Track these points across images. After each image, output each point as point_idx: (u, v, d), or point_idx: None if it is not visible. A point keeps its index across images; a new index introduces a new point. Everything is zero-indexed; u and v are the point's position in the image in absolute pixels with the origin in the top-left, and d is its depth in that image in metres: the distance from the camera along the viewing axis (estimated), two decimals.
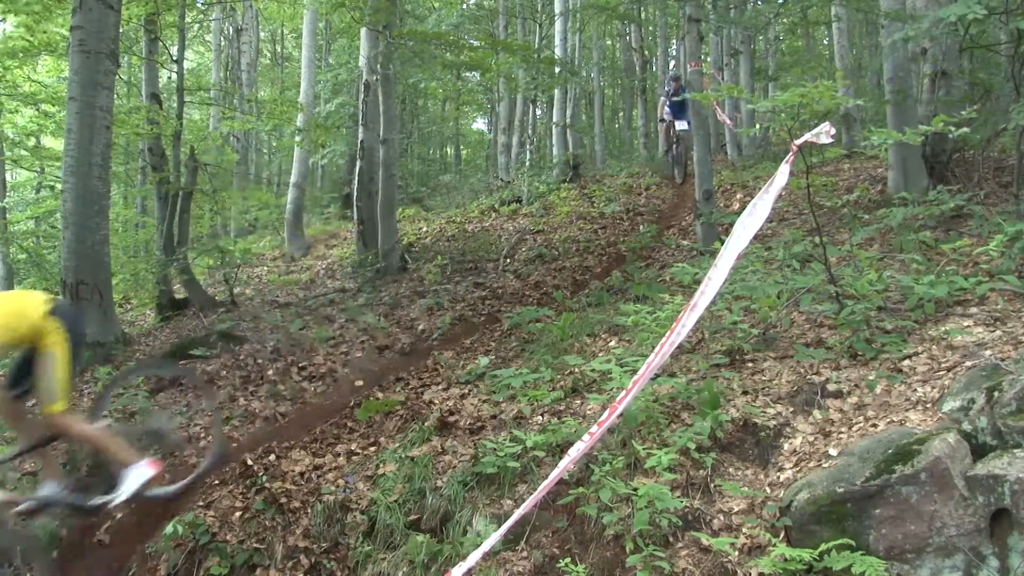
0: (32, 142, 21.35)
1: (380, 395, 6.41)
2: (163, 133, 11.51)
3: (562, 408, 4.94)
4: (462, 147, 35.44)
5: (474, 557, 3.23)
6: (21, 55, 13.42)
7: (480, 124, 36.24)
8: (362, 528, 4.33)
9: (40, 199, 23.14)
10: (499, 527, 3.41)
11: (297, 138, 15.74)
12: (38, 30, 12.40)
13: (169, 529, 4.44)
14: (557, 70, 16.37)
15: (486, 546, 3.27)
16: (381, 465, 4.83)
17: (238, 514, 4.60)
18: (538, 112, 23.51)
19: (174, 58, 12.27)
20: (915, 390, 3.85)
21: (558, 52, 17.45)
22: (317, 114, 17.91)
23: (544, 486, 3.28)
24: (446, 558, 3.81)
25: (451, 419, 5.16)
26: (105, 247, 8.88)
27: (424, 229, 15.59)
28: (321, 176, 24.92)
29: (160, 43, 11.96)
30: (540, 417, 4.87)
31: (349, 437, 5.54)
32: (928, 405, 3.68)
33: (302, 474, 4.96)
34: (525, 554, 3.67)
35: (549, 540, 3.72)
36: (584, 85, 23.64)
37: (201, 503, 4.78)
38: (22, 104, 16.65)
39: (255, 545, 4.36)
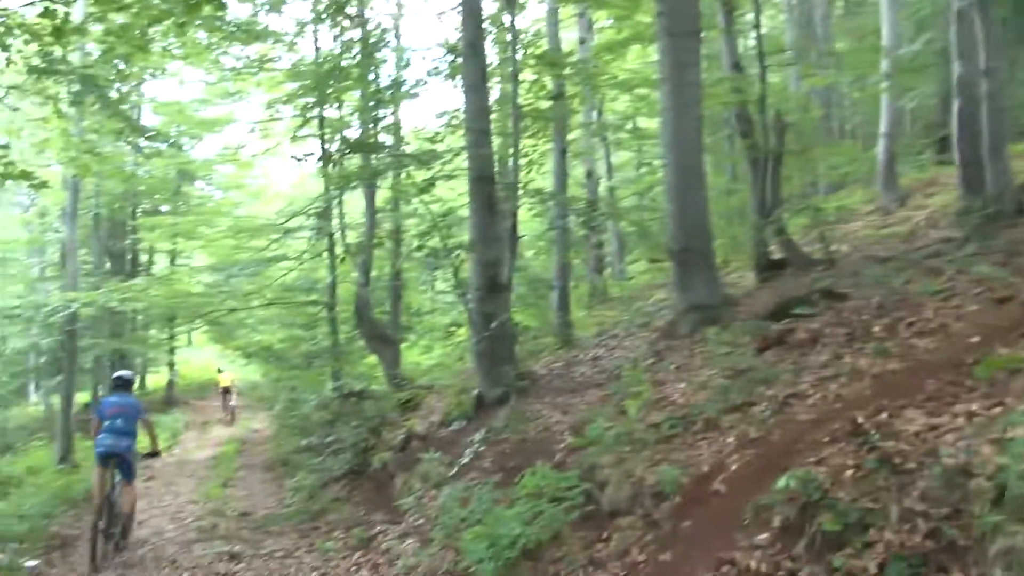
0: (629, 125, 23.73)
1: (1004, 351, 5.82)
2: (748, 100, 11.92)
3: None
4: None
5: None
6: (616, 48, 15.14)
7: None
8: (988, 496, 4.01)
9: (640, 176, 25.68)
10: None
11: (883, 84, 15.00)
12: (625, 26, 13.88)
13: (781, 483, 4.62)
14: None
15: None
16: (1009, 428, 4.40)
17: (849, 472, 4.61)
18: None
19: (753, 25, 12.63)
20: None
21: None
22: (901, 56, 16.79)
23: None
24: None
25: None
26: (705, 215, 9.61)
27: None
28: (911, 122, 23.26)
29: (737, 14, 12.43)
30: None
31: (968, 396, 5.15)
32: None
33: (916, 434, 4.77)
34: None
35: None
36: None
37: (812, 459, 4.88)
38: (620, 91, 18.67)
39: (868, 504, 4.33)
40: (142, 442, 9.83)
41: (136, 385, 10.37)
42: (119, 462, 9.00)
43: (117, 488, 9.05)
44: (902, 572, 3.75)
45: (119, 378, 9.86)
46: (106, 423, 8.95)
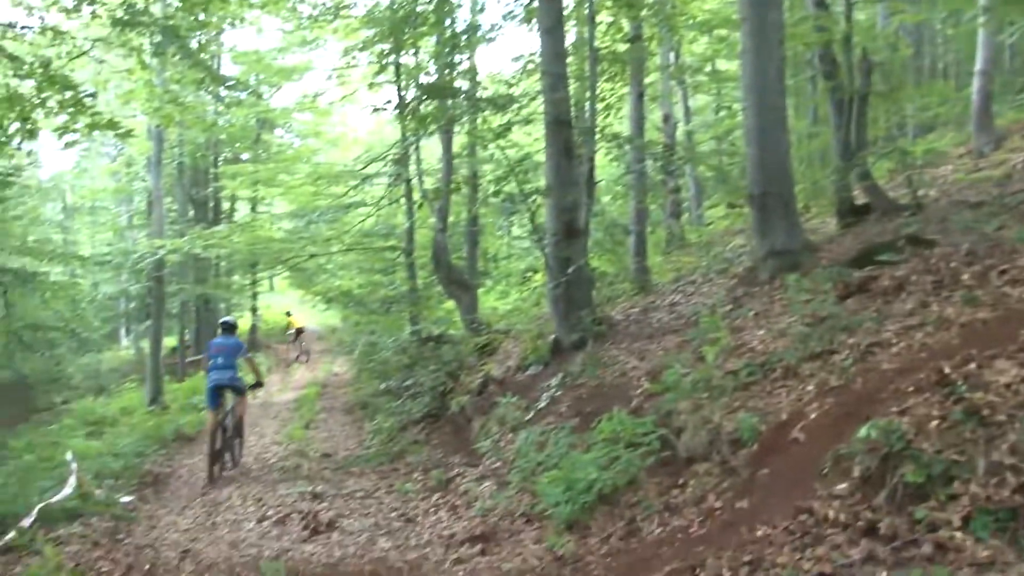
0: (708, 67, 23.19)
1: None
2: (832, 39, 11.52)
3: None
4: None
5: None
6: None
7: None
8: None
9: (719, 119, 25.15)
10: None
11: (980, 19, 14.26)
12: None
13: (862, 432, 4.56)
14: None
15: None
16: None
17: (934, 423, 4.52)
18: None
19: None
20: None
21: None
22: None
23: None
24: None
25: None
26: (787, 159, 9.39)
27: None
28: (1011, 58, 22.14)
29: None
30: None
31: None
32: None
33: (1007, 385, 4.64)
34: None
35: None
36: None
37: (895, 409, 4.80)
38: (698, 33, 18.19)
39: (953, 456, 4.25)
40: (247, 377, 11.66)
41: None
42: (229, 389, 10.80)
43: (229, 415, 10.85)
44: (988, 526, 3.68)
45: (224, 323, 11.54)
46: (210, 362, 10.70)
